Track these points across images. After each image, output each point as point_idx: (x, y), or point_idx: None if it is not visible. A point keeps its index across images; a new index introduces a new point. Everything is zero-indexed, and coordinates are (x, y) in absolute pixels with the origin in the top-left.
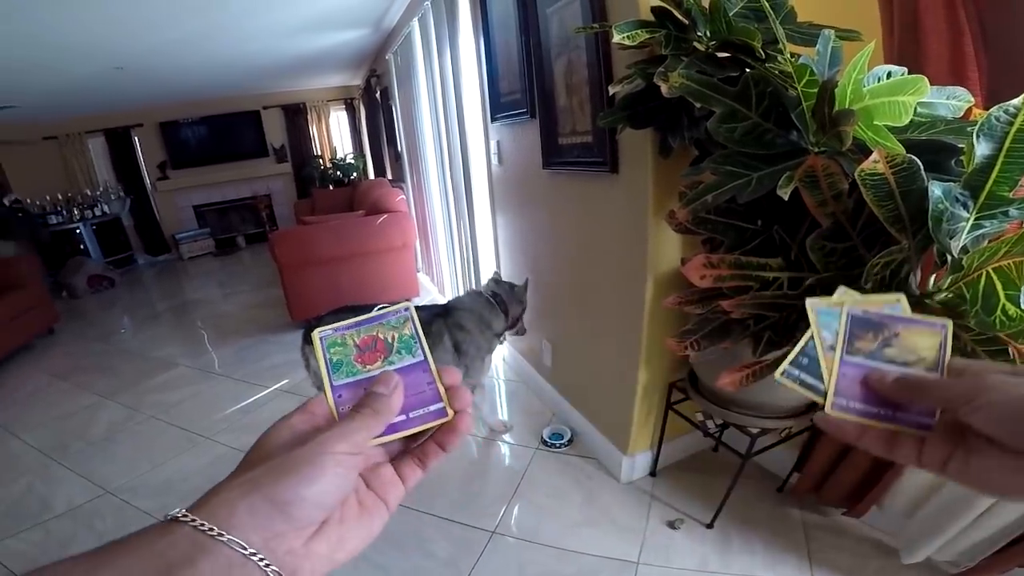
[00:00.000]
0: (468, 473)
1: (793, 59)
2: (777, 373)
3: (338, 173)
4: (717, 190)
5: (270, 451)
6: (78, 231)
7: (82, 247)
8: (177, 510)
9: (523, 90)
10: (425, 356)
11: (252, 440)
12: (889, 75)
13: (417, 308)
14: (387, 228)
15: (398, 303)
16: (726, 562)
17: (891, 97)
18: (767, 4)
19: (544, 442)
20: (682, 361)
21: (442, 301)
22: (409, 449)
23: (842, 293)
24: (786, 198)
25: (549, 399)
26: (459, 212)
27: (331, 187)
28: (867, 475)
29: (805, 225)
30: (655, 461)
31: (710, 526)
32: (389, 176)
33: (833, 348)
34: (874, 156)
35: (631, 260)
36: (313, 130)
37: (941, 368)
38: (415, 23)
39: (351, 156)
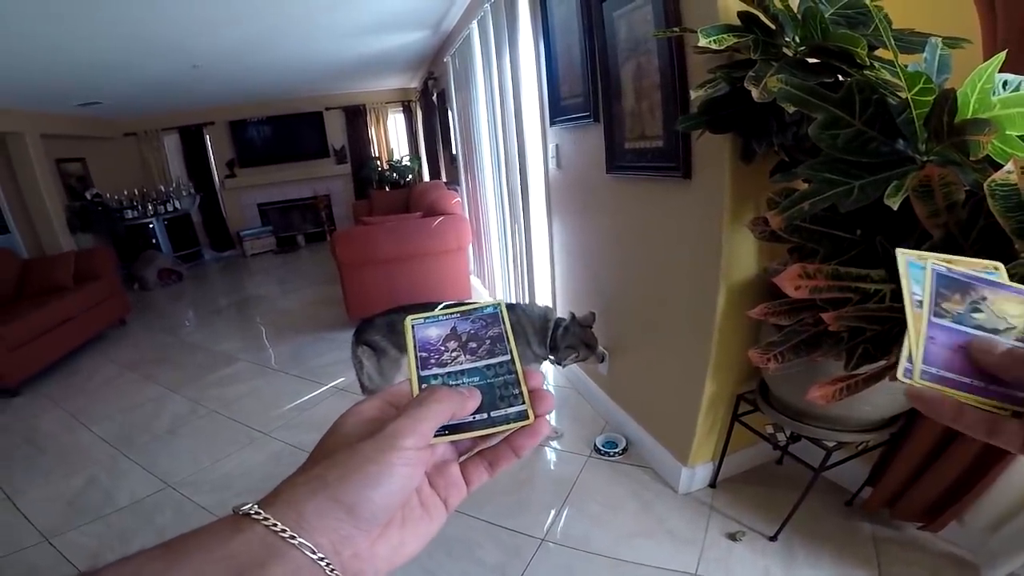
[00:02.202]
0: (517, 479)
1: (902, 67)
2: (900, 373)
3: (394, 175)
4: (815, 198)
5: (338, 443)
6: (151, 226)
7: (154, 241)
8: (249, 505)
9: (586, 94)
10: (512, 356)
11: (308, 438)
12: (1005, 84)
13: (458, 304)
14: (443, 230)
15: (465, 301)
16: (790, 575)
17: None
18: (875, 12)
19: (597, 450)
20: (751, 372)
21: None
22: (480, 450)
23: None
24: (895, 208)
25: (603, 407)
26: (514, 215)
27: (388, 188)
28: (951, 489)
29: (913, 236)
30: (716, 472)
31: (773, 539)
32: (444, 178)
33: (921, 305)
34: (1008, 166)
35: (703, 268)
36: (372, 132)
37: None
38: (474, 25)
39: (407, 158)
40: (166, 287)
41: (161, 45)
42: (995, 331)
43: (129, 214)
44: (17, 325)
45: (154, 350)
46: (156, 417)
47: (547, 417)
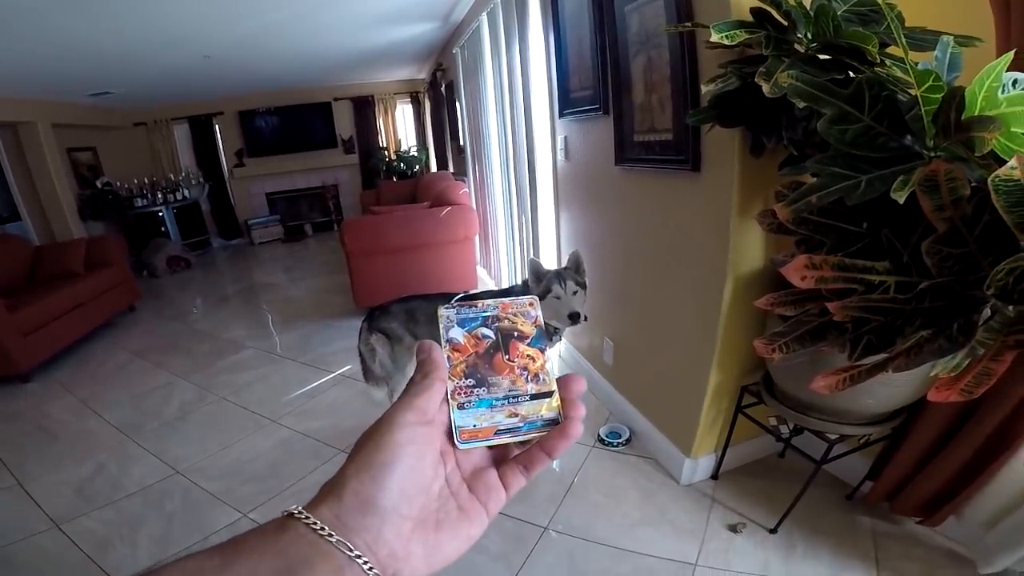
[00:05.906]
0: None
1: (912, 64)
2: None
3: (402, 165)
4: (823, 191)
5: (362, 443)
6: (160, 214)
7: (163, 229)
8: (294, 507)
9: (595, 86)
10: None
11: (316, 424)
12: (1015, 83)
13: (481, 293)
14: (450, 220)
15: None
16: (789, 567)
17: None
18: (888, 11)
19: (601, 440)
20: (756, 364)
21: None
22: (514, 455)
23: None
24: (902, 202)
25: (607, 397)
26: (522, 206)
27: (395, 179)
28: (950, 484)
29: (919, 230)
30: (718, 464)
31: (773, 531)
32: (451, 169)
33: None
34: (1012, 162)
35: (710, 260)
36: (380, 122)
37: None
38: (484, 17)
39: (415, 149)
40: (175, 274)
41: (175, 36)
42: None
43: (139, 202)
44: (29, 310)
45: (163, 337)
46: (165, 404)
47: (580, 418)
